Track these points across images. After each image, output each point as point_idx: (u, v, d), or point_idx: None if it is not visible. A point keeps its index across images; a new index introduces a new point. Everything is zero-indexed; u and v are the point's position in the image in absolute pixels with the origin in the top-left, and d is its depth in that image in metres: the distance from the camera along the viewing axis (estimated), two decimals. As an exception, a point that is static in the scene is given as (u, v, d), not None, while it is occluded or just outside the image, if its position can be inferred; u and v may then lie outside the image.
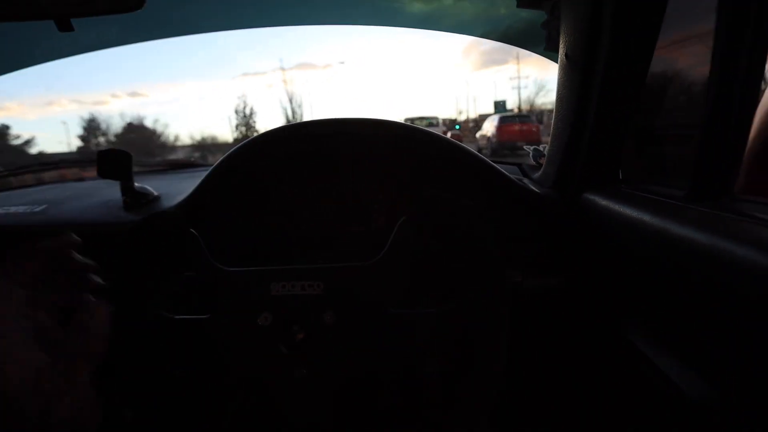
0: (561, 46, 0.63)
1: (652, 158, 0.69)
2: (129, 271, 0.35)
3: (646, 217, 0.50)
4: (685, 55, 0.65)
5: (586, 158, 0.68)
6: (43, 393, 0.26)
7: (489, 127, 10.81)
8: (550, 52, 0.70)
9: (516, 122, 10.45)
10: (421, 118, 16.04)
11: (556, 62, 0.68)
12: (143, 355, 0.36)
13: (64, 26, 0.62)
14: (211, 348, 0.38)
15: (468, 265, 0.44)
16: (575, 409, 0.69)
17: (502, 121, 10.53)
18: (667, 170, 0.66)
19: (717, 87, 0.47)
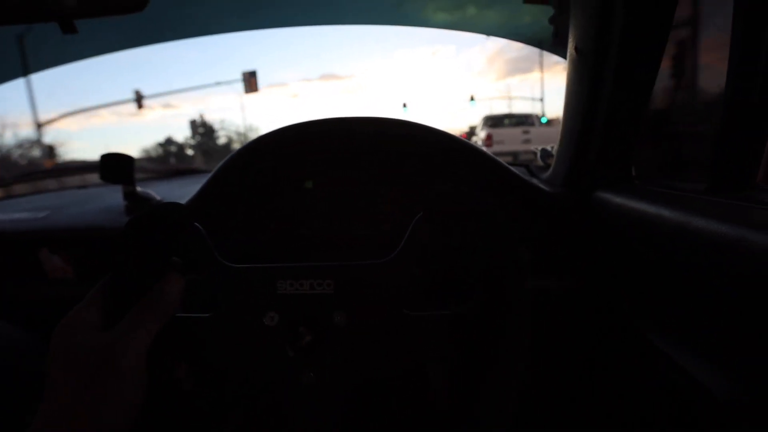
0: (570, 39, 0.62)
1: (665, 154, 0.67)
2: (129, 264, 0.33)
3: (664, 212, 0.48)
4: (701, 46, 0.64)
5: (598, 155, 0.66)
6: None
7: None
8: (558, 48, 0.68)
9: (495, 132, 14.58)
10: (510, 116, 13.39)
11: (565, 58, 0.67)
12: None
13: (68, 28, 0.61)
14: (214, 348, 0.36)
15: (487, 264, 0.42)
16: (596, 415, 0.66)
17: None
18: (683, 166, 0.65)
19: (737, 77, 0.46)
